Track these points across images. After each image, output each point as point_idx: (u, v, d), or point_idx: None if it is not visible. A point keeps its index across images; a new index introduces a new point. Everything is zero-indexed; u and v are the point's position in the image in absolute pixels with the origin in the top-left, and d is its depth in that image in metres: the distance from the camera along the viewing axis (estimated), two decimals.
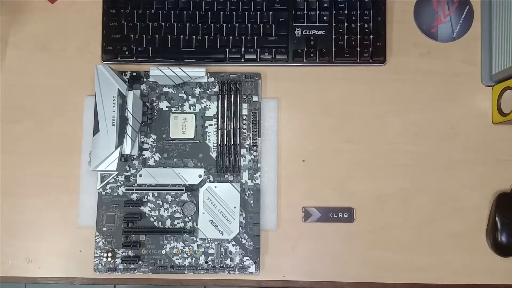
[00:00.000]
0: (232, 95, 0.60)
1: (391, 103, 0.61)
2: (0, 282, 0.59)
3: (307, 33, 0.61)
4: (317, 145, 0.60)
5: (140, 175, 0.58)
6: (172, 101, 0.60)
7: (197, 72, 0.58)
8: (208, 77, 0.60)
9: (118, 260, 0.57)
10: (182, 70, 0.58)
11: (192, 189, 0.58)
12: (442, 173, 0.60)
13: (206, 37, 0.61)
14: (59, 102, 0.62)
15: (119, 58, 0.61)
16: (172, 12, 0.61)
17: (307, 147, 0.60)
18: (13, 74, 0.62)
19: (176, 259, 0.58)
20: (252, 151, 0.59)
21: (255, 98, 0.60)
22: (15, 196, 0.60)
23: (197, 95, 0.60)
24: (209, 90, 0.60)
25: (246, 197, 0.58)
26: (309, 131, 0.61)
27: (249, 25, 0.61)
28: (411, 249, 0.59)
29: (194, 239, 0.58)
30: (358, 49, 0.60)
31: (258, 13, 0.61)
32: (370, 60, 0.61)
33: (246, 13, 0.61)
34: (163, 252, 0.58)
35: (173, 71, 0.58)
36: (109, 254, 0.57)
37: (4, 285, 0.59)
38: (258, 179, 0.59)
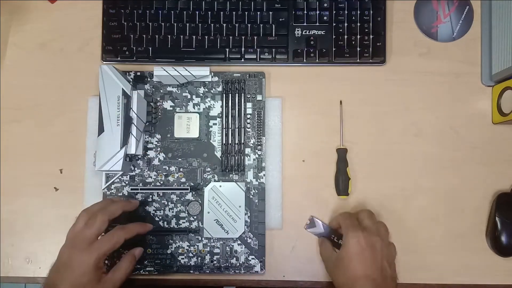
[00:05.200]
0: (236, 94, 0.60)
1: (391, 103, 0.61)
2: (0, 282, 0.59)
3: (307, 33, 0.61)
4: (317, 145, 0.60)
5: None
6: (176, 100, 0.60)
7: (201, 72, 0.58)
8: (212, 77, 0.60)
9: None
10: (186, 70, 0.58)
11: (197, 189, 0.59)
12: (442, 173, 0.60)
13: (206, 37, 0.61)
14: (59, 102, 0.62)
15: (119, 58, 0.61)
16: (172, 12, 0.61)
17: (307, 147, 0.60)
18: (13, 74, 0.62)
19: (182, 258, 0.58)
20: (256, 150, 0.59)
21: (259, 97, 0.60)
22: (15, 196, 0.60)
23: (201, 95, 0.60)
24: (213, 89, 0.60)
25: (251, 196, 0.58)
26: (309, 131, 0.61)
27: (249, 25, 0.61)
28: (411, 249, 0.59)
29: (200, 239, 0.58)
30: (358, 49, 0.60)
31: (258, 13, 0.61)
32: (370, 60, 0.61)
33: (246, 13, 0.61)
34: (169, 251, 0.58)
35: (177, 71, 0.58)
36: (115, 254, 0.57)
37: (4, 285, 0.59)
38: (262, 178, 0.59)
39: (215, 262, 0.58)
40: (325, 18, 0.61)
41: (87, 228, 0.50)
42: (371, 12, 0.61)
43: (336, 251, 0.55)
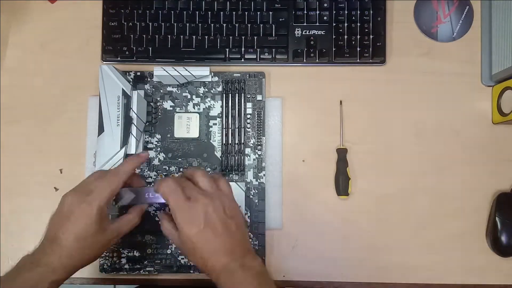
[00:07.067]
0: (236, 94, 0.60)
1: (391, 103, 0.61)
2: (0, 282, 0.59)
3: (307, 33, 0.61)
4: (317, 145, 0.60)
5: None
6: (176, 100, 0.60)
7: (201, 72, 0.58)
8: (212, 77, 0.60)
9: (124, 260, 0.57)
10: (186, 70, 0.58)
11: None
12: (442, 173, 0.60)
13: (206, 37, 0.61)
14: (59, 102, 0.62)
15: (119, 58, 0.61)
16: (172, 12, 0.61)
17: (307, 147, 0.60)
18: (13, 74, 0.62)
19: (182, 258, 0.58)
20: (256, 150, 0.59)
21: (259, 97, 0.60)
22: (15, 196, 0.60)
23: (201, 95, 0.60)
24: (213, 89, 0.60)
25: (251, 196, 0.58)
26: (309, 131, 0.61)
27: (249, 25, 0.61)
28: (411, 249, 0.59)
29: None
30: (358, 49, 0.60)
31: (258, 13, 0.61)
32: (370, 60, 0.61)
33: (246, 13, 0.61)
34: (169, 251, 0.58)
35: (177, 71, 0.58)
36: (115, 254, 0.57)
37: None
38: (262, 178, 0.59)
39: None
40: (325, 18, 0.61)
41: (95, 181, 0.48)
42: (371, 12, 0.61)
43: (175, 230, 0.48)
